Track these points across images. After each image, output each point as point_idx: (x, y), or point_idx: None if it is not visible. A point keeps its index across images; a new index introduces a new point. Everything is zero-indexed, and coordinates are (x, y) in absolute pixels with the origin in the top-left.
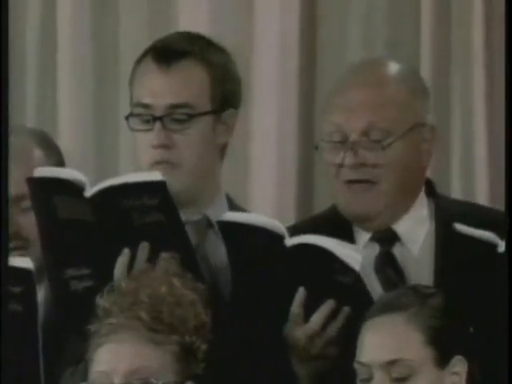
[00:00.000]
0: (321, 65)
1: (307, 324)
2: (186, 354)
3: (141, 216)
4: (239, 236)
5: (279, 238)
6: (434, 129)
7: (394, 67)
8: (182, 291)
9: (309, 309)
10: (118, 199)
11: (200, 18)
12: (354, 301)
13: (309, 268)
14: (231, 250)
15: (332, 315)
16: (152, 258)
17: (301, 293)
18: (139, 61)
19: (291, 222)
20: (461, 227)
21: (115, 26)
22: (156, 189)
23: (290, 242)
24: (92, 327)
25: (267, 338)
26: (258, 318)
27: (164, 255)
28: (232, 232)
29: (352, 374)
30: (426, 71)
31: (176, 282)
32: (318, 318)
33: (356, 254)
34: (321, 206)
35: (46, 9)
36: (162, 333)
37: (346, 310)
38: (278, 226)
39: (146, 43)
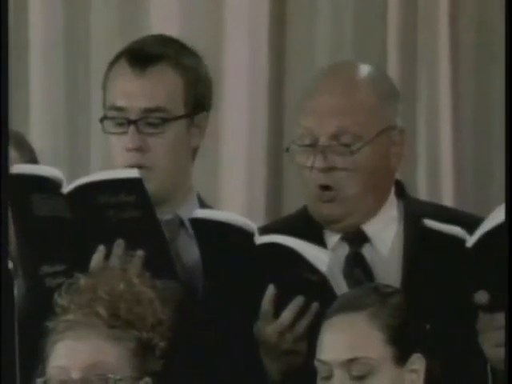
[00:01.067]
0: (290, 65)
1: (277, 320)
2: (143, 350)
3: (117, 213)
4: (210, 233)
5: (249, 236)
6: (403, 131)
7: (364, 71)
8: (140, 289)
9: (279, 306)
10: (94, 196)
11: (170, 19)
12: (321, 298)
13: (278, 266)
14: (202, 247)
15: (301, 312)
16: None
17: (270, 290)
18: (113, 63)
19: (261, 221)
20: (430, 223)
21: (86, 26)
22: (133, 186)
23: (260, 240)
24: (50, 324)
25: (238, 335)
26: (229, 315)
27: (129, 253)
28: (203, 229)
29: None
30: (393, 72)
31: (135, 279)
32: (287, 314)
33: (323, 255)
34: (290, 206)
35: (16, 8)
36: (120, 329)
37: (315, 306)
38: (249, 223)
39: (117, 42)
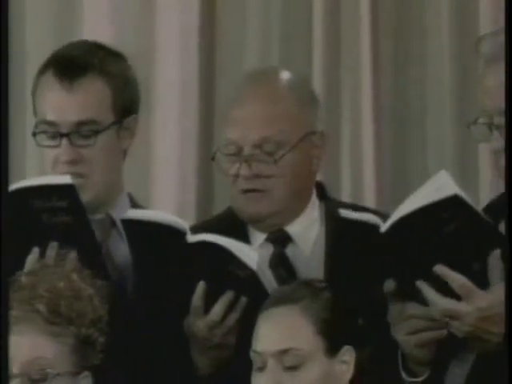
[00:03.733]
0: (220, 68)
1: (208, 315)
2: (82, 345)
3: (51, 217)
4: (142, 233)
5: (181, 235)
6: (323, 135)
7: (285, 79)
8: (80, 285)
9: (210, 301)
10: (28, 200)
11: (103, 21)
12: (251, 293)
13: (209, 263)
14: (135, 247)
15: (231, 306)
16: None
17: (201, 286)
18: (40, 72)
19: (192, 221)
20: (344, 212)
21: (21, 30)
22: (65, 191)
23: (192, 239)
24: None
25: (170, 331)
26: (160, 312)
27: (64, 251)
28: (135, 229)
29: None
30: (317, 77)
31: (74, 276)
32: (217, 309)
33: (252, 252)
34: (221, 206)
35: None
36: (60, 325)
37: (244, 300)
38: (180, 222)
39: (51, 45)
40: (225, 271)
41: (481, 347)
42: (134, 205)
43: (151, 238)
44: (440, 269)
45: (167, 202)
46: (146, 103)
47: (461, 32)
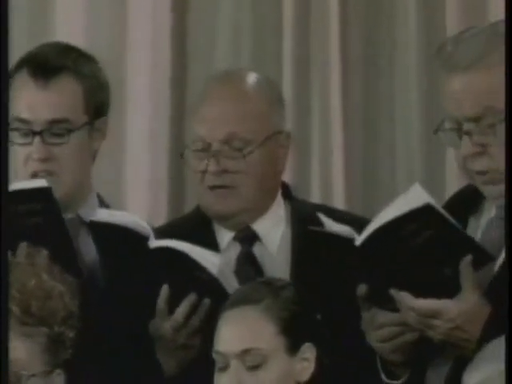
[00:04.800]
0: (191, 70)
1: (172, 317)
2: (54, 344)
3: (25, 219)
4: (106, 236)
5: (143, 240)
6: (289, 135)
7: (253, 79)
8: (50, 283)
9: (174, 304)
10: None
11: (76, 25)
12: (213, 296)
13: (170, 268)
14: (99, 249)
15: (194, 308)
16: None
17: (164, 289)
18: (15, 71)
19: (164, 220)
20: (322, 218)
21: None
22: (41, 194)
23: (154, 244)
24: None
25: (135, 333)
26: (127, 313)
27: (32, 250)
28: (100, 232)
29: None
30: (287, 79)
31: (44, 274)
32: (181, 310)
33: (213, 258)
34: (192, 205)
35: None
36: (32, 325)
37: (206, 301)
38: (143, 226)
39: (25, 49)
40: (187, 275)
41: (457, 352)
42: (103, 205)
43: (114, 241)
44: (402, 298)
45: (139, 202)
46: (119, 105)
47: (428, 42)
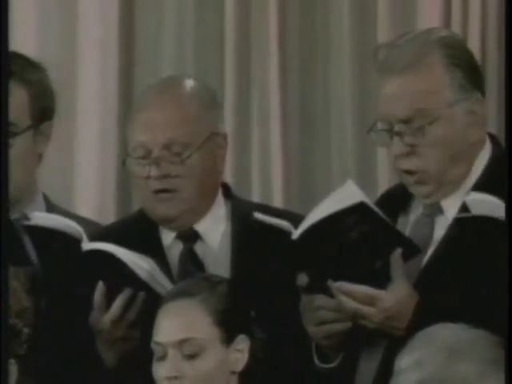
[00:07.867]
0: (137, 75)
1: (109, 310)
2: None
3: None
4: (41, 239)
5: (76, 242)
6: (226, 136)
7: (189, 85)
8: None
9: (111, 300)
10: None
11: (28, 33)
12: (148, 290)
13: (103, 269)
14: (36, 251)
15: (130, 302)
16: None
17: (100, 286)
18: None
19: (112, 221)
20: (259, 216)
21: None
22: None
23: (87, 246)
24: None
25: (76, 327)
26: (66, 310)
27: None
28: (35, 235)
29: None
30: (229, 84)
31: None
32: (117, 303)
33: (142, 262)
34: (139, 206)
35: None
36: None
37: (142, 295)
38: (76, 229)
39: None
40: (119, 275)
41: (388, 339)
42: (49, 205)
43: (48, 244)
44: (341, 285)
45: (88, 202)
46: (68, 109)
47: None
